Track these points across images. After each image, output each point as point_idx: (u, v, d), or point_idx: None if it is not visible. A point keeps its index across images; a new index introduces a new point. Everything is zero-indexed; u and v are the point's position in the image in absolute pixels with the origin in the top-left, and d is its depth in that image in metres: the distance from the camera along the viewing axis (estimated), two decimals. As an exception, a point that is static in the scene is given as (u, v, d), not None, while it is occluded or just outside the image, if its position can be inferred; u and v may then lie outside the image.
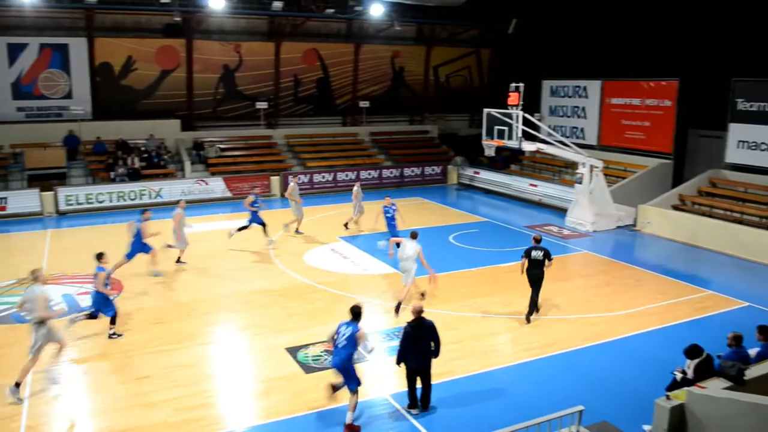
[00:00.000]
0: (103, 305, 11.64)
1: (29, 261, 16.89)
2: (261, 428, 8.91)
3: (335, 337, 8.82)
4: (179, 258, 16.57)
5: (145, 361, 10.94)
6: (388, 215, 17.21)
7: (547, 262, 12.58)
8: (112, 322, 11.86)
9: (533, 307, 12.78)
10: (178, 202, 17.15)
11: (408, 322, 9.15)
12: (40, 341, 9.66)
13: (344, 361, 8.73)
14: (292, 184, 19.79)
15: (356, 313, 8.86)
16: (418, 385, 9.34)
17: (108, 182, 24.23)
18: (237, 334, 12.35)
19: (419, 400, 9.37)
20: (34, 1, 23.25)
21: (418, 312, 9.06)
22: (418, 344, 9.06)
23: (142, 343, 11.64)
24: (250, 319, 12.95)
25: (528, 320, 12.65)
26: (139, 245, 14.90)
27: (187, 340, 11.85)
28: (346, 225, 20.35)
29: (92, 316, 11.76)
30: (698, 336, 10.16)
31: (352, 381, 8.81)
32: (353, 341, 8.66)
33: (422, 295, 13.76)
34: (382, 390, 10.02)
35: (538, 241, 12.88)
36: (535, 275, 12.63)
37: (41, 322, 9.65)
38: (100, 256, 11.65)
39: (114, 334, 11.90)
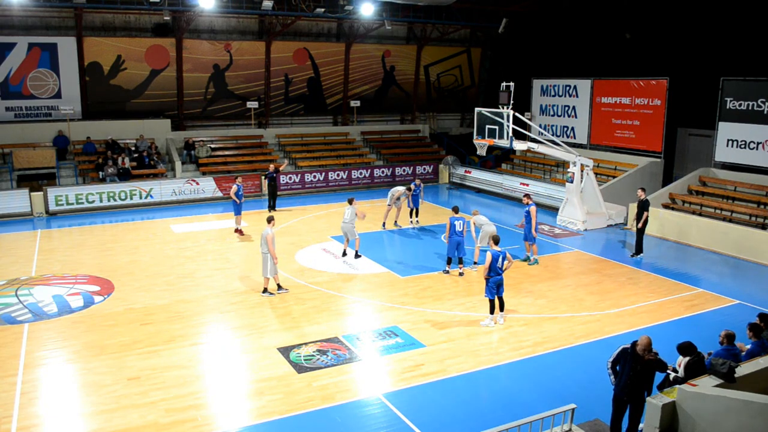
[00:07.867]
0: None
1: (18, 262, 16.83)
2: (253, 429, 8.87)
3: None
4: None
5: (135, 362, 10.87)
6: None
7: None
8: None
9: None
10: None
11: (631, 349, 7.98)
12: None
13: None
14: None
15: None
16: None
17: (98, 182, 24.08)
18: (228, 334, 12.27)
19: None
20: (22, 0, 23.07)
21: (645, 348, 7.81)
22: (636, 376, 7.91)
23: (132, 344, 11.58)
24: (241, 319, 12.89)
25: None
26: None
27: (177, 340, 11.78)
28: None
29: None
30: (689, 334, 10.22)
31: None
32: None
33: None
34: (374, 389, 10.01)
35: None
36: None
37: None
38: None
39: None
